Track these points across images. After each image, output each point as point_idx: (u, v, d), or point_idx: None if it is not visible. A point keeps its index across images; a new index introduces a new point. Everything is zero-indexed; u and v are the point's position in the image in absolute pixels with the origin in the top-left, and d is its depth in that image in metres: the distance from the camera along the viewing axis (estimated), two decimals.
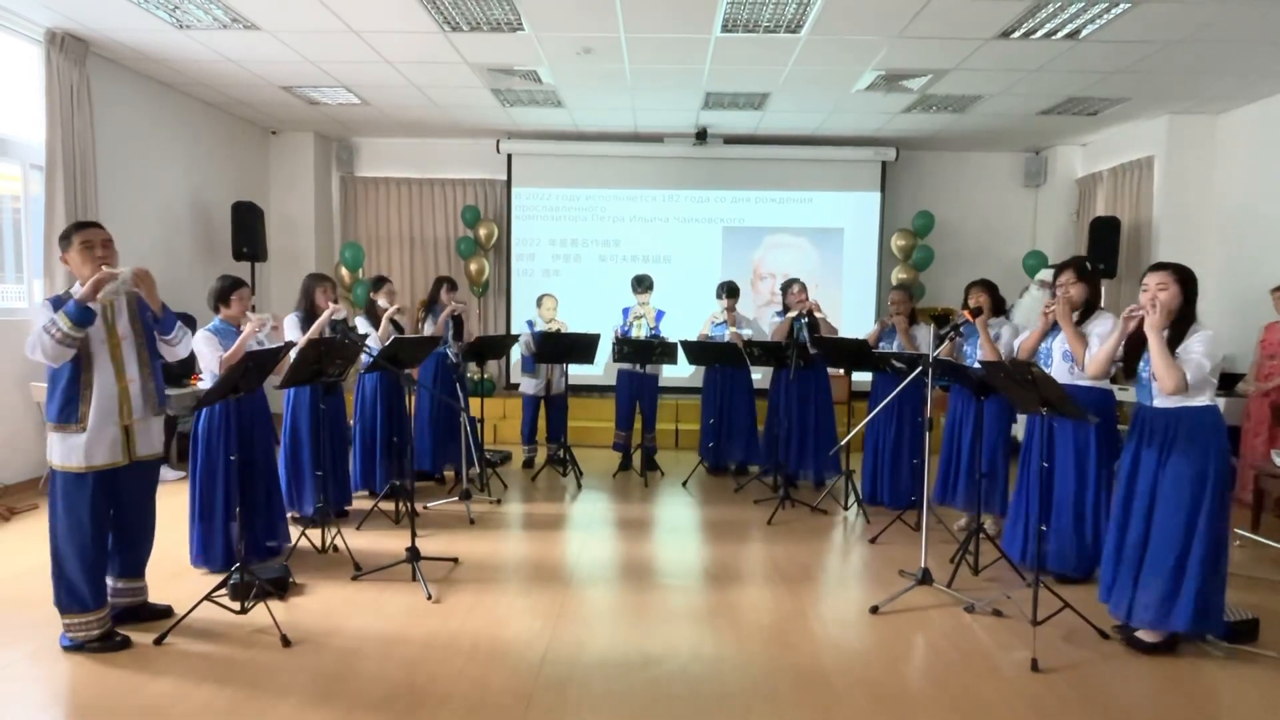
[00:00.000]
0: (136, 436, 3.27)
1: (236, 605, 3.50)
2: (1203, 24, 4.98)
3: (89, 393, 3.12)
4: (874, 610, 3.72)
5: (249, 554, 4.05)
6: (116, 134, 6.30)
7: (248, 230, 7.41)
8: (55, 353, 3.01)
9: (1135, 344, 3.31)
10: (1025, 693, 2.98)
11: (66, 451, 3.11)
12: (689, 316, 7.03)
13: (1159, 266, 3.29)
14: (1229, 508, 3.24)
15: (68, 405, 3.09)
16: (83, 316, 3.01)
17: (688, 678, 3.07)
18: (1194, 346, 3.14)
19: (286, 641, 3.26)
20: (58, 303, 3.06)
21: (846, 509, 5.53)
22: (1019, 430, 4.72)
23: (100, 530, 3.21)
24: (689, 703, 2.89)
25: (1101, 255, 7.31)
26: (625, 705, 2.87)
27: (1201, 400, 3.18)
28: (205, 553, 4.02)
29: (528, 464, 6.87)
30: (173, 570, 3.96)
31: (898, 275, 8.53)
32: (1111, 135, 7.96)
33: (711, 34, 5.42)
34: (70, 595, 3.15)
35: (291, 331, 4.70)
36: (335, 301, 4.77)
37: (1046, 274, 7.74)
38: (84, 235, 3.15)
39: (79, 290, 3.06)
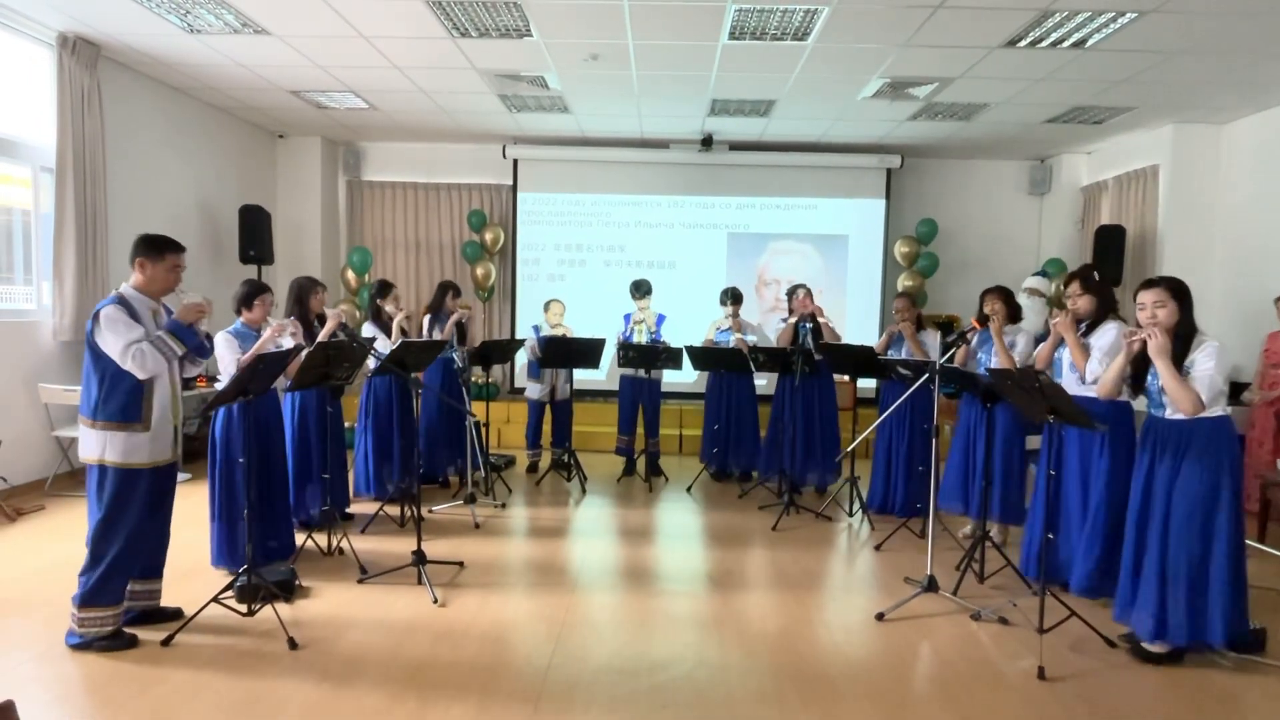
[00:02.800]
0: (178, 437, 3.43)
1: (243, 607, 3.51)
2: (1208, 35, 5.00)
3: (151, 394, 3.25)
4: (879, 617, 3.72)
5: (269, 555, 4.08)
6: (126, 137, 6.33)
7: (255, 233, 7.45)
8: (158, 369, 3.22)
9: (1141, 359, 3.29)
10: (1031, 701, 2.98)
11: (129, 449, 3.21)
12: (693, 322, 7.04)
13: (1151, 283, 3.27)
14: (1243, 517, 3.23)
15: (130, 405, 3.21)
16: (191, 339, 3.30)
17: (693, 684, 3.07)
18: (1202, 362, 3.13)
19: (293, 644, 3.27)
20: (132, 311, 3.20)
21: (851, 515, 5.53)
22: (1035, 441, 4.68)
23: (144, 524, 3.30)
24: (694, 709, 2.89)
25: (1106, 264, 7.31)
26: (631, 711, 2.87)
27: (1214, 412, 3.16)
28: (233, 553, 4.05)
29: (532, 468, 6.88)
30: (181, 571, 3.96)
31: (902, 282, 8.53)
32: (1117, 144, 7.97)
33: (719, 41, 5.44)
34: (103, 589, 3.20)
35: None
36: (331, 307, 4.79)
37: (1033, 281, 7.77)
38: (179, 258, 3.39)
39: (134, 297, 3.26)
